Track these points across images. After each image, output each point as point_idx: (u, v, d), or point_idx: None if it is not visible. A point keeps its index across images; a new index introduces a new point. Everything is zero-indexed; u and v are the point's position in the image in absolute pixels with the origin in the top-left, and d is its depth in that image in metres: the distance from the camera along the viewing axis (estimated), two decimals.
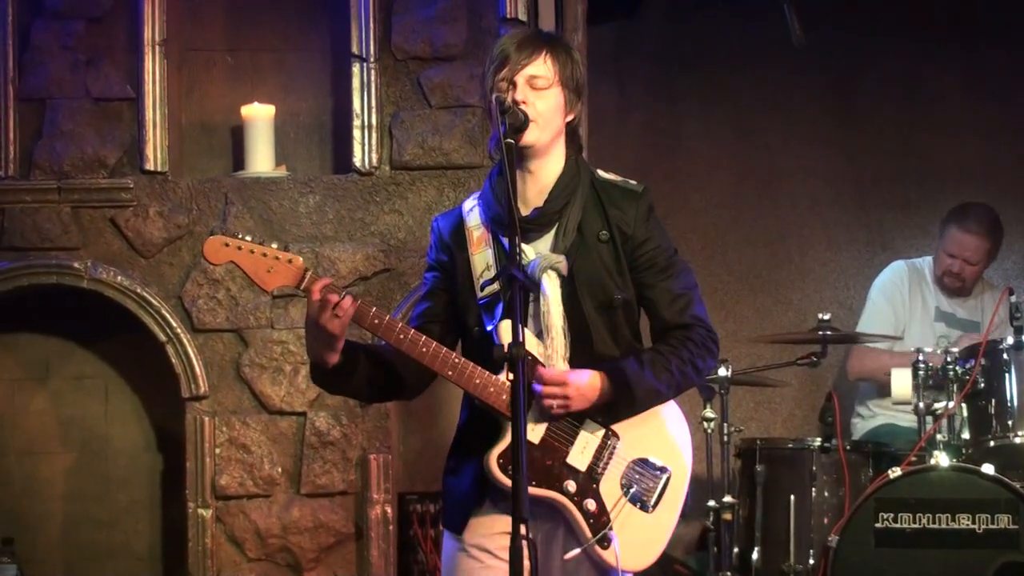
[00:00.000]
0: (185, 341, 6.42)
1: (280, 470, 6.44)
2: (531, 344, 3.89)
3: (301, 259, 3.82)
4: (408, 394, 4.15)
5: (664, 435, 4.02)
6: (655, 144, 7.72)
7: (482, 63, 5.78)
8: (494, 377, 3.87)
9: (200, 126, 6.72)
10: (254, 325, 6.46)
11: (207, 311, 6.45)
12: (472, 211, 4.06)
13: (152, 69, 6.47)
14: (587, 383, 3.89)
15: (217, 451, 6.42)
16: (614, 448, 3.96)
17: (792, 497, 6.08)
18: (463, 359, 3.90)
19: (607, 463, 3.95)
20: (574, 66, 3.99)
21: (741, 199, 7.76)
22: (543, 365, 3.90)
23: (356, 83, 6.51)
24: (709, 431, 6.18)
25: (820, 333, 6.24)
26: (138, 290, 6.41)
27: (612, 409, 3.95)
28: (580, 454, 3.94)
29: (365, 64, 6.50)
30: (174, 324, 6.42)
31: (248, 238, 3.80)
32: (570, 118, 4.02)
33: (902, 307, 6.74)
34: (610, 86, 7.65)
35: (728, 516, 6.11)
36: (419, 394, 4.17)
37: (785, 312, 7.75)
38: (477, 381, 3.87)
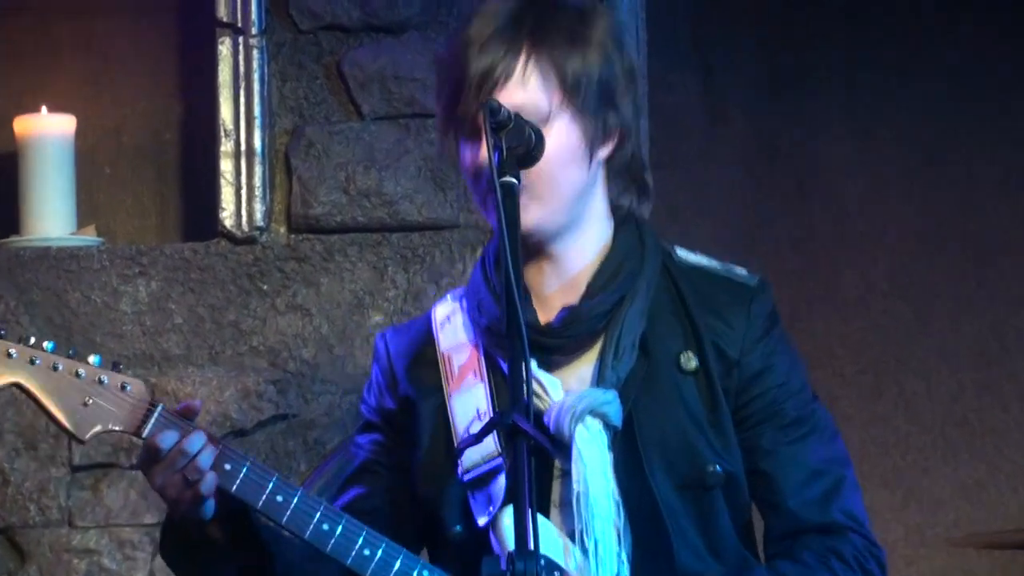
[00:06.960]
0: None
1: None
2: (557, 552, 2.99)
3: (142, 384, 3.22)
4: None
5: None
6: (768, 176, 6.15)
7: (451, 35, 4.53)
8: None
9: None
10: (37, 521, 5.31)
11: None
12: (451, 321, 3.27)
13: None
14: None
15: None
16: None
17: None
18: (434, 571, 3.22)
19: None
20: (589, 52, 3.08)
21: (930, 278, 6.05)
22: None
23: (225, 74, 5.24)
24: None
25: None
26: None
27: None
28: None
29: (241, 40, 5.25)
30: None
31: (48, 346, 3.15)
32: (604, 152, 3.08)
33: None
34: (691, 77, 6.21)
35: None
36: None
37: (1014, 493, 6.11)
38: None
